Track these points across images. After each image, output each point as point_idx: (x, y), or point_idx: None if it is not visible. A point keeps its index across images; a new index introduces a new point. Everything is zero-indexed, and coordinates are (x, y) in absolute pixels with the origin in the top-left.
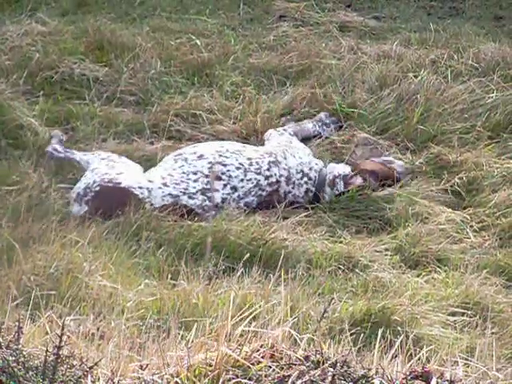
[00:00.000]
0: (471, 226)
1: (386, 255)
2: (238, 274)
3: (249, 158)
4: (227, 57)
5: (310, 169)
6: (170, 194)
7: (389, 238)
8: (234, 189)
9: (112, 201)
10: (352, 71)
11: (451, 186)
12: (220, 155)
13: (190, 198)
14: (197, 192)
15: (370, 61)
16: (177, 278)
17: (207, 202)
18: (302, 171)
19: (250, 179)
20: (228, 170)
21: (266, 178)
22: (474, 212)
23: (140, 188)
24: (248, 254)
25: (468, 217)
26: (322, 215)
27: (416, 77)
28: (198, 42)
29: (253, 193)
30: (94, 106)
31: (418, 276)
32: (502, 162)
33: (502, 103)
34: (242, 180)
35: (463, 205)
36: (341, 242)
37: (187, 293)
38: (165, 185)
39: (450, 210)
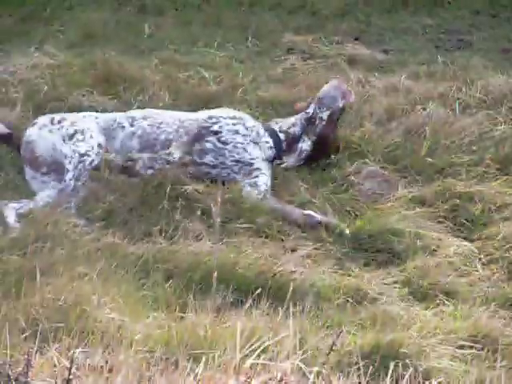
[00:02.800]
0: (479, 259)
1: (395, 288)
2: (247, 306)
3: None
4: (235, 89)
5: None
6: None
7: (397, 271)
8: None
9: None
10: (360, 104)
11: (459, 219)
12: None
13: None
14: None
15: (378, 93)
16: (185, 311)
17: None
18: None
19: None
20: None
21: None
22: (483, 245)
23: None
24: (257, 288)
25: (476, 249)
26: (330, 248)
27: (424, 109)
28: (206, 74)
29: None
30: None
31: (426, 309)
32: (510, 194)
33: (511, 136)
34: None
35: (471, 237)
36: (349, 275)
37: (195, 325)
38: None
39: (458, 242)
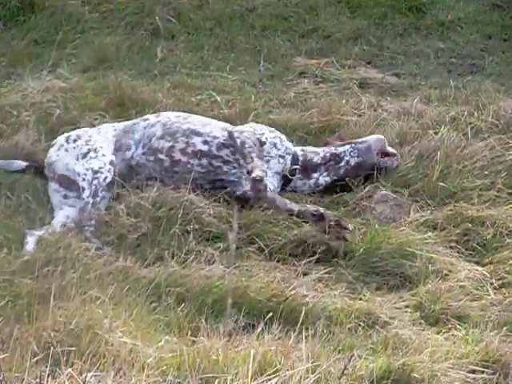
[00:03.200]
0: (491, 283)
1: (406, 312)
2: (259, 330)
3: None
4: (247, 113)
5: None
6: None
7: (409, 295)
8: None
9: None
10: (372, 128)
11: (471, 243)
12: None
13: None
14: None
15: (390, 117)
16: (197, 335)
17: None
18: None
19: None
20: None
21: None
22: (494, 269)
23: None
24: (268, 311)
25: (488, 274)
26: (342, 272)
27: (436, 134)
28: (218, 98)
29: None
30: None
31: (438, 333)
32: None
33: None
34: None
35: (483, 262)
36: (361, 299)
37: (207, 349)
38: None
39: (470, 266)
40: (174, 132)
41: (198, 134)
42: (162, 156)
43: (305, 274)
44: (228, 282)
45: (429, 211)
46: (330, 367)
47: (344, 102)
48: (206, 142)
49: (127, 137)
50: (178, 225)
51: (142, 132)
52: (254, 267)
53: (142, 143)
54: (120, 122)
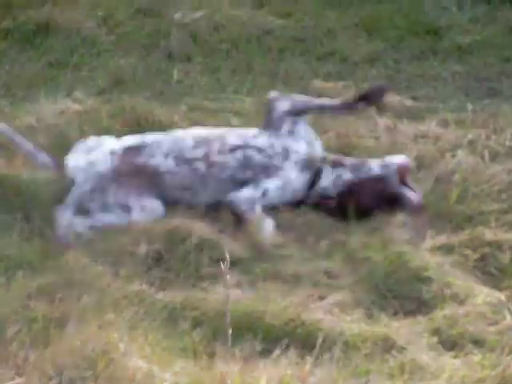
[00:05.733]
0: (508, 308)
1: (423, 337)
2: (275, 355)
3: None
4: None
5: None
6: None
7: (426, 320)
8: None
9: None
10: (389, 151)
11: (488, 268)
12: None
13: None
14: None
15: (407, 141)
16: (213, 359)
17: None
18: None
19: None
20: None
21: None
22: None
23: None
24: (285, 336)
25: (505, 298)
26: (359, 296)
27: (453, 157)
28: (235, 121)
29: None
30: None
31: (454, 358)
32: None
33: None
34: None
35: (501, 286)
36: (377, 324)
37: (223, 374)
38: None
39: (487, 291)
40: None
41: None
42: None
43: (321, 298)
44: (227, 306)
45: (446, 235)
46: None
47: (361, 125)
48: None
49: None
50: (192, 250)
51: None
52: (270, 291)
53: None
54: None
